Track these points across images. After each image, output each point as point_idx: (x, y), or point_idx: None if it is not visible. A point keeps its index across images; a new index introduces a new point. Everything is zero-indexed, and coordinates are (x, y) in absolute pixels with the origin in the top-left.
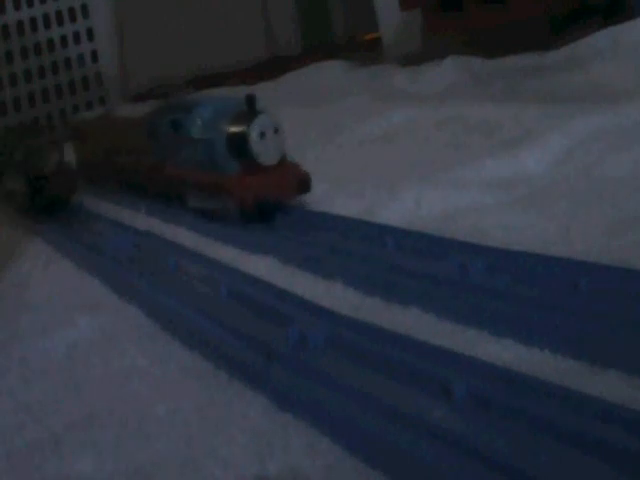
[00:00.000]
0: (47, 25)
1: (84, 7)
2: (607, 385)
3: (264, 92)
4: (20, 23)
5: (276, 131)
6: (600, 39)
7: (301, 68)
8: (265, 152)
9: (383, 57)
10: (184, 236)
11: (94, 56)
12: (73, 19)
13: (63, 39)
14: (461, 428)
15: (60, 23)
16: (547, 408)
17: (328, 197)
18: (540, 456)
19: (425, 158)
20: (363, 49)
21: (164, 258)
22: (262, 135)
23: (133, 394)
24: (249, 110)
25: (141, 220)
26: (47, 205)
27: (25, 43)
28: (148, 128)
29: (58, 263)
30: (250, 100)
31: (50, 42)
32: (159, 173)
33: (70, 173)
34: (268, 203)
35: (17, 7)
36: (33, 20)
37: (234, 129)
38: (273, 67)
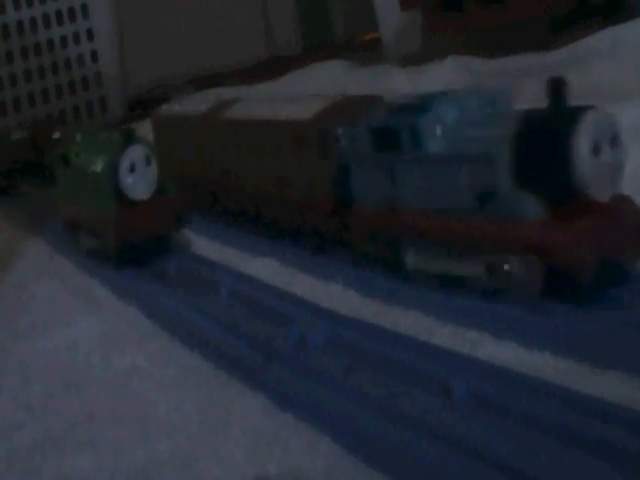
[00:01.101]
0: (47, 25)
1: (84, 7)
2: (607, 385)
3: (264, 92)
4: (20, 23)
5: (614, 143)
6: (600, 39)
7: (301, 68)
8: (600, 182)
9: (383, 57)
10: (184, 236)
11: (94, 56)
12: (73, 19)
13: (63, 39)
14: (461, 428)
15: (60, 23)
16: (547, 408)
17: None
18: (540, 456)
19: None
20: (363, 49)
21: (165, 259)
22: (596, 151)
23: (133, 394)
24: (558, 107)
25: None
26: (139, 249)
27: (25, 43)
28: (321, 141)
29: (58, 263)
30: (559, 88)
31: (50, 42)
32: (346, 216)
33: (172, 200)
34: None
35: (17, 7)
36: (33, 20)
37: (537, 140)
38: (273, 67)
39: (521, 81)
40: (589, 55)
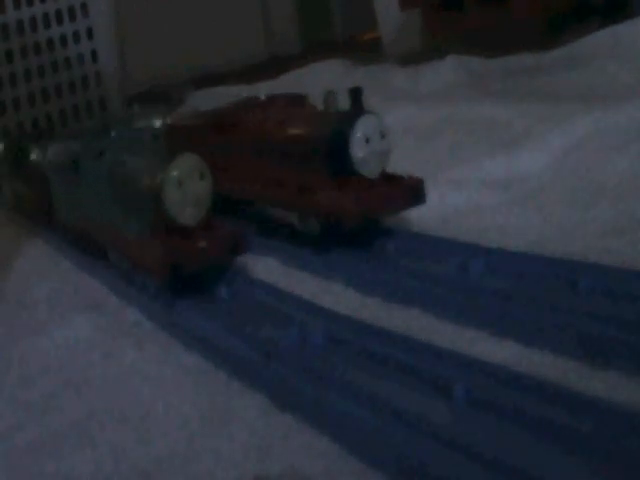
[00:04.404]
0: (47, 24)
1: (84, 6)
2: (607, 385)
3: (264, 92)
4: (20, 22)
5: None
6: (600, 39)
7: (301, 68)
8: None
9: (383, 57)
10: None
11: (94, 56)
12: (73, 18)
13: (63, 38)
14: (461, 428)
15: (60, 22)
16: (547, 409)
17: None
18: (541, 457)
19: (425, 158)
20: (363, 49)
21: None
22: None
23: (133, 394)
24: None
25: None
26: None
27: (25, 43)
28: None
29: (58, 263)
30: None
31: (50, 42)
32: None
33: None
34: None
35: (17, 6)
36: (33, 19)
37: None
38: (273, 67)
39: (520, 81)
40: (589, 54)
